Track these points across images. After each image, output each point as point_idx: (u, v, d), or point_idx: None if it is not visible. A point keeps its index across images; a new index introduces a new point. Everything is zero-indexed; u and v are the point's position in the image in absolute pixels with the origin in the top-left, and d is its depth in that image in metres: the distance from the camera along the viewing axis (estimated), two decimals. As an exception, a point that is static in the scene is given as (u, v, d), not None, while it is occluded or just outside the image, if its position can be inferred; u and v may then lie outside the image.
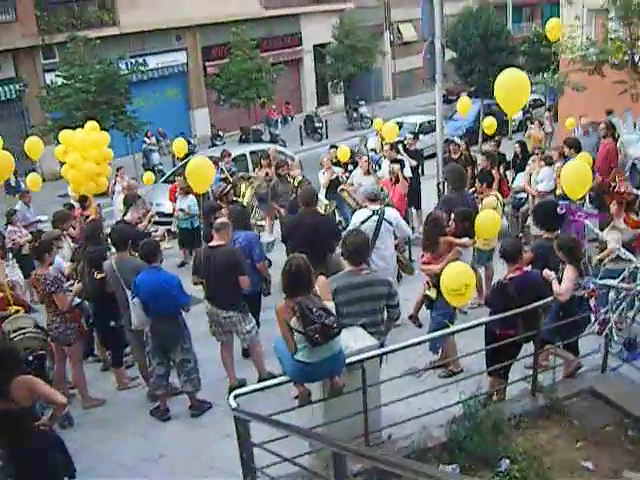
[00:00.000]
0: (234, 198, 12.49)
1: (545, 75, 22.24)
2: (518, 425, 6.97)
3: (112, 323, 9.12)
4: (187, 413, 8.63)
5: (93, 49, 24.73)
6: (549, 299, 7.17)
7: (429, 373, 8.79)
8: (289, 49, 37.77)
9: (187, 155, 19.99)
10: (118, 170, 16.64)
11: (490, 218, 8.99)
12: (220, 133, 32.49)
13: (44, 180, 24.15)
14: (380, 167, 15.53)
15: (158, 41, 31.38)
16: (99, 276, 8.93)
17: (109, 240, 9.43)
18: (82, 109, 23.37)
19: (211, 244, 8.73)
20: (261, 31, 34.42)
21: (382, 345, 6.96)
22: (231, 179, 14.29)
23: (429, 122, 26.40)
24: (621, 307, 7.07)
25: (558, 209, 8.21)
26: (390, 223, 9.64)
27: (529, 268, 7.62)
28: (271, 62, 32.09)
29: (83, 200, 12.76)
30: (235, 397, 5.73)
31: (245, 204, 12.07)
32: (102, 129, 23.53)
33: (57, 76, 24.67)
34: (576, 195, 9.68)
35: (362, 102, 37.00)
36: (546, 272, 7.32)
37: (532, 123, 22.14)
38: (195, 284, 9.04)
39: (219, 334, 8.93)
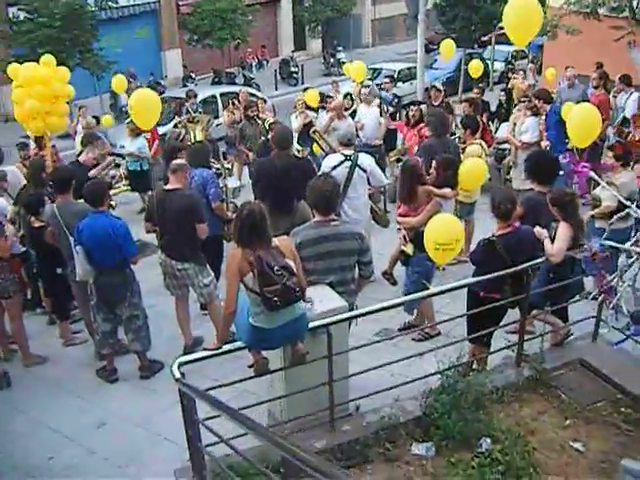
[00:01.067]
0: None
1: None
2: (501, 399, 6.26)
3: (59, 270, 8.28)
4: (136, 374, 7.88)
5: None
6: (540, 260, 6.43)
7: (403, 336, 8.09)
8: (266, -10, 36.33)
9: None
10: (80, 109, 15.71)
11: (476, 166, 8.22)
12: (192, 75, 31.36)
13: (7, 121, 23.19)
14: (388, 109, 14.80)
15: (129, -24, 29.95)
16: (36, 224, 8.07)
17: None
18: (46, 45, 22.16)
19: (166, 187, 7.85)
20: (238, -31, 33.04)
21: (352, 306, 6.20)
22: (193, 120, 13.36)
23: (409, 69, 25.57)
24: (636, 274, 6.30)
25: (561, 157, 7.39)
26: (364, 170, 8.85)
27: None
28: (247, 3, 30.86)
29: (38, 140, 11.83)
30: (180, 365, 4.93)
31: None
32: (67, 67, 22.91)
33: (19, 10, 23.50)
34: (583, 143, 8.88)
35: (340, 48, 35.98)
36: (538, 230, 6.56)
37: (515, 74, 21.27)
38: (148, 232, 8.22)
39: (173, 287, 8.13)
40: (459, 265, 9.34)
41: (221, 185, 10.30)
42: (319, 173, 9.03)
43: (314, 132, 11.69)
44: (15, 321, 8.17)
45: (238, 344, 5.24)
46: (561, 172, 8.47)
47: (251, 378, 5.53)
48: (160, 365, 7.92)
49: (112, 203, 10.56)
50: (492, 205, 6.51)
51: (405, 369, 6.59)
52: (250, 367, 5.57)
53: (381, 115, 13.05)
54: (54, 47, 22.11)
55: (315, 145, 11.60)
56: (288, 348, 5.39)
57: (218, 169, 10.68)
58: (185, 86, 28.84)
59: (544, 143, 11.64)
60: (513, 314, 6.80)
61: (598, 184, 8.42)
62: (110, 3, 26.33)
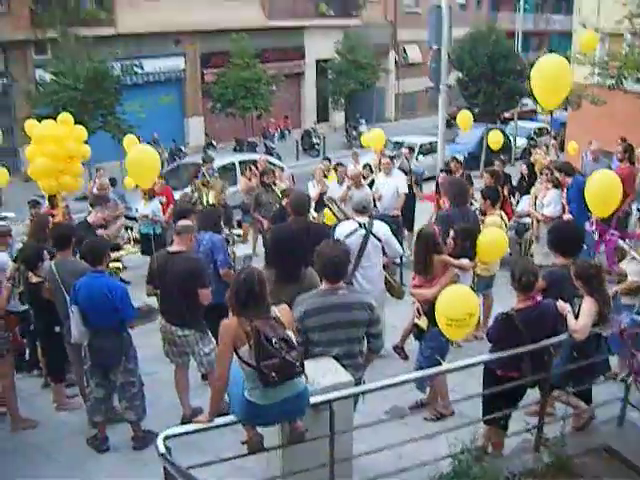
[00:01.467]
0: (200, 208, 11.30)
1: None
2: (518, 487, 5.77)
3: (56, 329, 7.90)
4: (129, 444, 7.41)
5: (85, 46, 23.67)
6: (562, 336, 5.97)
7: (414, 414, 7.62)
8: (291, 62, 36.76)
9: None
10: (97, 171, 15.60)
11: (496, 237, 7.83)
12: (213, 142, 31.44)
13: (27, 180, 23.21)
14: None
15: (156, 44, 30.39)
16: (34, 279, 7.76)
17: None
18: (69, 107, 22.28)
19: (170, 249, 7.51)
20: (263, 42, 33.31)
21: (359, 381, 5.77)
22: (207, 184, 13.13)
23: (430, 143, 25.43)
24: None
25: (587, 224, 6.99)
26: (378, 239, 8.49)
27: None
28: (271, 74, 31.13)
29: (51, 199, 11.80)
30: (166, 439, 4.51)
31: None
32: (88, 129, 23.01)
33: (46, 72, 23.74)
34: (603, 212, 8.47)
35: (362, 121, 36.07)
36: (560, 304, 6.12)
37: (537, 149, 21.06)
38: (149, 295, 7.87)
39: (173, 355, 7.72)
40: (476, 342, 8.90)
41: (229, 252, 9.98)
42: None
43: (329, 199, 11.37)
44: (5, 381, 7.77)
45: (231, 418, 4.81)
46: (585, 246, 8.04)
47: (244, 456, 5.09)
48: (154, 436, 7.40)
49: (119, 265, 10.31)
50: (512, 277, 6.09)
51: (415, 451, 6.09)
52: (243, 444, 5.10)
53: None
54: (77, 109, 22.30)
55: (328, 214, 11.23)
56: (286, 425, 4.94)
57: (228, 235, 10.35)
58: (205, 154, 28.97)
59: (566, 217, 11.25)
60: (533, 393, 6.34)
61: (624, 257, 8.00)
62: (135, 69, 26.48)
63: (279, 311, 4.69)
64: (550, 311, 6.06)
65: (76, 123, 21.39)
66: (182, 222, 7.70)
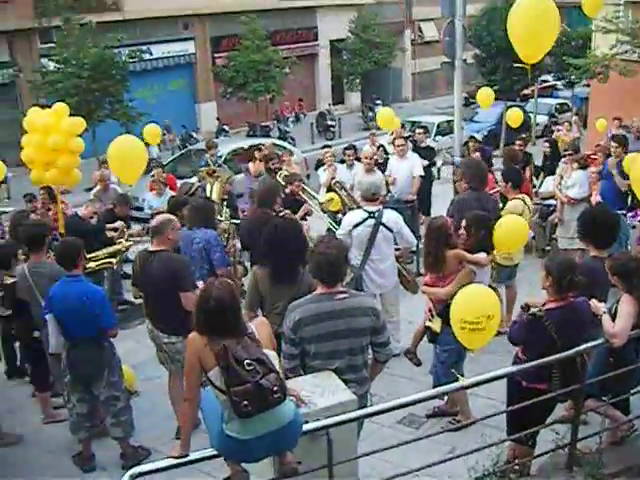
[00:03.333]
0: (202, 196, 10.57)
1: (584, 58, 19.66)
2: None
3: (36, 334, 7.28)
4: (119, 462, 6.74)
5: (91, 33, 23.09)
6: (598, 342, 5.21)
7: (431, 423, 6.93)
8: (304, 43, 36.09)
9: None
10: (103, 163, 14.95)
11: (514, 224, 7.07)
12: (226, 128, 30.74)
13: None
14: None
15: (164, 29, 29.89)
16: (9, 281, 7.15)
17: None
18: (74, 95, 21.74)
19: (150, 247, 6.81)
20: (275, 23, 32.81)
21: (365, 396, 5.03)
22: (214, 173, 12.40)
23: (448, 122, 24.62)
24: None
25: (629, 215, 6.18)
26: (390, 229, 7.77)
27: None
28: (284, 56, 30.40)
29: (44, 190, 11.34)
30: (133, 477, 3.82)
31: (215, 201, 10.08)
32: (96, 118, 22.46)
33: (49, 60, 23.21)
34: None
35: (379, 102, 35.16)
36: (595, 304, 5.34)
37: (559, 126, 20.17)
38: (135, 298, 7.18)
39: (164, 361, 7.04)
40: (498, 338, 8.14)
41: (231, 246, 9.28)
42: (339, 232, 8.07)
43: (335, 184, 10.64)
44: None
45: (209, 452, 4.09)
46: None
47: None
48: (147, 452, 6.84)
49: (113, 260, 9.72)
50: (548, 276, 5.28)
51: (432, 466, 5.37)
52: (225, 480, 4.38)
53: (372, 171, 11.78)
54: (82, 97, 21.92)
55: (335, 199, 10.50)
56: (275, 457, 4.22)
57: (227, 227, 9.60)
58: (217, 139, 28.37)
59: (595, 199, 10.45)
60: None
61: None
62: (143, 54, 25.91)
63: (255, 325, 3.98)
64: (583, 311, 5.28)
65: (82, 112, 21.14)
66: (158, 217, 6.98)
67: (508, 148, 12.38)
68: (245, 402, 3.58)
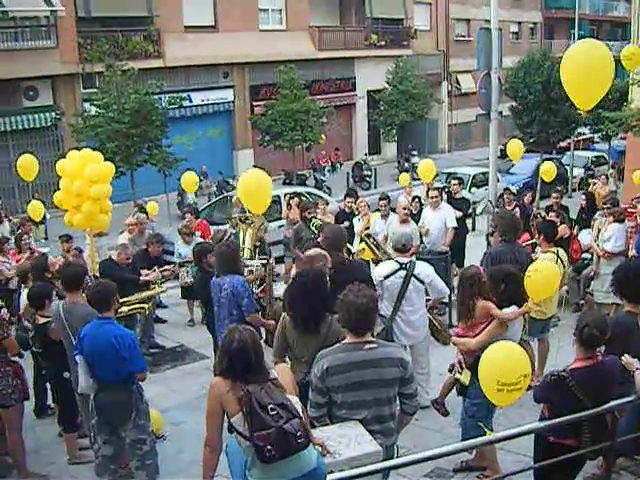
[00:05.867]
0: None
1: (620, 111, 19.53)
2: None
3: (66, 375, 7.29)
4: (142, 506, 6.72)
5: (132, 79, 23.50)
6: (629, 398, 5.10)
7: (458, 477, 6.83)
8: (342, 93, 36.45)
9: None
10: (137, 207, 15.19)
11: (546, 272, 6.86)
12: (262, 175, 30.78)
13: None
14: None
15: (204, 77, 30.45)
16: (41, 321, 7.21)
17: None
18: (114, 140, 22.12)
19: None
20: (313, 73, 33.36)
21: (391, 448, 4.97)
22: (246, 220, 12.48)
23: (483, 174, 24.56)
24: None
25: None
26: (421, 281, 7.73)
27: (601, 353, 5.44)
28: (322, 106, 30.72)
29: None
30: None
31: (247, 248, 10.10)
32: (135, 162, 22.80)
33: (92, 104, 23.60)
34: None
35: (415, 152, 35.28)
36: (627, 359, 5.26)
37: (595, 179, 20.03)
38: None
39: None
40: (531, 391, 8.03)
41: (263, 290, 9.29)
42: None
43: (367, 235, 10.61)
44: (13, 433, 7.18)
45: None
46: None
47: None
48: (170, 497, 6.79)
49: (146, 306, 9.78)
50: (576, 327, 5.23)
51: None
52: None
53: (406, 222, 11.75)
54: (122, 142, 22.26)
55: (366, 250, 10.45)
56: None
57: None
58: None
59: (631, 253, 10.36)
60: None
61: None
62: (183, 101, 26.27)
63: (278, 371, 3.97)
64: (612, 369, 5.18)
65: (121, 156, 21.44)
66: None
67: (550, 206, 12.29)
68: (269, 447, 3.58)
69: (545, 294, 7.11)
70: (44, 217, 18.42)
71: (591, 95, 7.13)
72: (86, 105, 24.99)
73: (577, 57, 6.97)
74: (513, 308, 6.52)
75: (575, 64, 6.97)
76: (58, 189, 10.78)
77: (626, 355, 5.33)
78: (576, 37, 35.82)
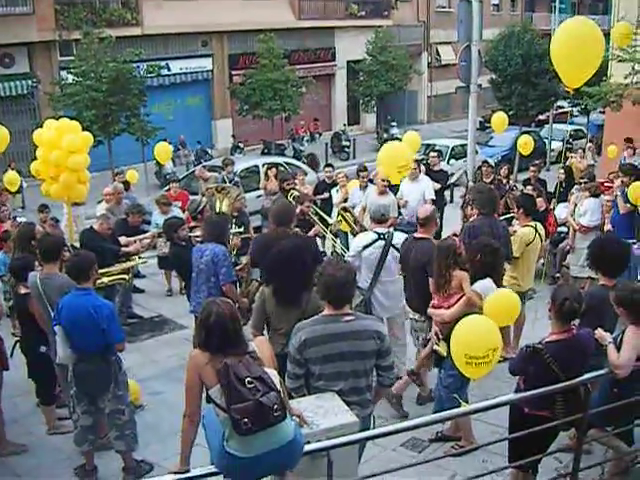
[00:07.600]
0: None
1: (598, 86, 19.61)
2: None
3: (42, 349, 7.29)
4: (120, 476, 6.74)
5: (109, 47, 23.32)
6: (602, 372, 5.20)
7: (433, 447, 6.91)
8: (321, 63, 36.28)
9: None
10: (116, 175, 15.08)
11: (504, 300, 6.38)
12: (240, 145, 30.84)
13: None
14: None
15: (183, 45, 30.20)
16: (23, 291, 7.20)
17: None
18: (91, 108, 21.94)
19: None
20: (293, 43, 33.09)
21: (367, 419, 5.03)
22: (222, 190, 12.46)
23: (462, 146, 24.55)
24: None
25: (635, 247, 6.17)
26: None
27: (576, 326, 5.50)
28: (301, 75, 30.58)
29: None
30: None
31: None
32: (112, 131, 22.63)
33: (69, 73, 23.37)
34: None
35: (394, 123, 35.27)
36: (600, 333, 5.34)
37: (573, 153, 20.09)
38: None
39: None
40: (505, 363, 8.13)
41: (239, 262, 9.31)
42: (348, 254, 8.07)
43: (343, 209, 10.65)
44: (-9, 402, 7.17)
45: (211, 469, 4.11)
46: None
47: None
48: (149, 467, 6.84)
49: (126, 277, 9.76)
50: (553, 302, 5.25)
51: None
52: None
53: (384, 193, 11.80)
54: (100, 110, 22.10)
55: (343, 222, 10.51)
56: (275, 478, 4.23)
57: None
58: (232, 156, 28.45)
59: (608, 227, 10.48)
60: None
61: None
62: (161, 70, 26.09)
63: (257, 344, 4.01)
64: (586, 342, 5.26)
65: (99, 124, 21.24)
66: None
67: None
68: (245, 420, 3.62)
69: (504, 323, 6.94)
70: (20, 186, 18.28)
71: (580, 75, 7.17)
72: (63, 73, 24.71)
73: (569, 36, 6.95)
74: (487, 280, 6.59)
75: (567, 44, 6.97)
76: (35, 158, 10.66)
77: (599, 329, 5.41)
78: (557, 10, 35.83)
